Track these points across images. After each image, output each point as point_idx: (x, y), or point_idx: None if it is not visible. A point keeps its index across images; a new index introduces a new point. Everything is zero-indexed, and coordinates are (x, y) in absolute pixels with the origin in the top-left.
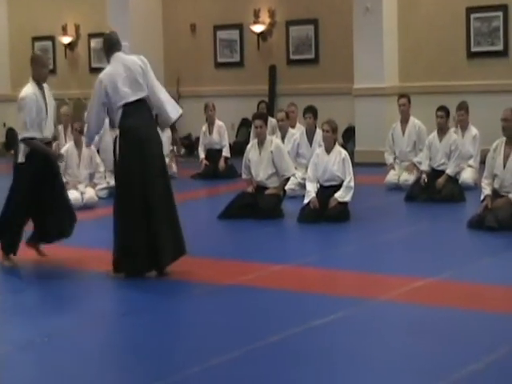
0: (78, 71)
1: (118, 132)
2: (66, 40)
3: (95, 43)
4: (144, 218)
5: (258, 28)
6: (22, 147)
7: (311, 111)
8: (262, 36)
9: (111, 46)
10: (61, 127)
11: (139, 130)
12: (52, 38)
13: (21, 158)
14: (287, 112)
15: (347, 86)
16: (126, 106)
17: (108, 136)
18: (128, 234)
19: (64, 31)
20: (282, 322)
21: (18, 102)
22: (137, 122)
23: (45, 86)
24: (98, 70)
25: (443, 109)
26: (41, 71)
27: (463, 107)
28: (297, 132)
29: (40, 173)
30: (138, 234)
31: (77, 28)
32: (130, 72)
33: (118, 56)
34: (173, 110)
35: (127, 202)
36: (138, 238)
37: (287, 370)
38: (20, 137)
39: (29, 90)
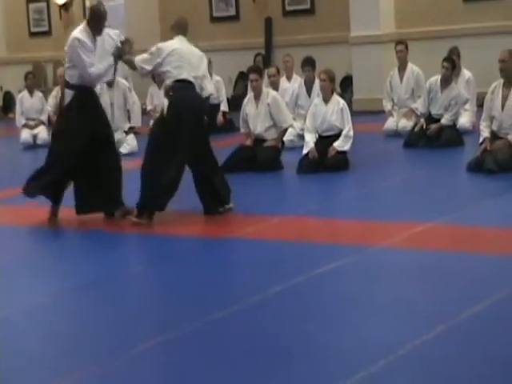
0: None
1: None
2: (61, 1)
3: (90, 3)
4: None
5: None
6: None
7: (309, 63)
8: None
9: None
10: (58, 89)
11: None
12: None
13: None
14: (277, 67)
15: (344, 35)
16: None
17: (105, 96)
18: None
19: None
20: (284, 272)
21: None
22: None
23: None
24: None
25: (449, 59)
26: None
27: (454, 52)
28: (290, 85)
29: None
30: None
31: None
32: None
33: None
34: None
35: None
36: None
37: (292, 321)
38: None
39: None
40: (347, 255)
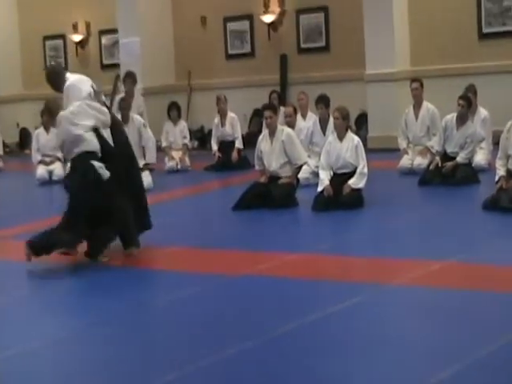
0: (90, 68)
1: None
2: (77, 38)
3: (106, 40)
4: None
5: (268, 18)
6: None
7: (323, 101)
8: (272, 26)
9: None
10: None
11: None
12: (63, 37)
13: None
14: (294, 107)
15: (359, 73)
16: None
17: (132, 128)
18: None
19: (75, 29)
20: (299, 310)
21: None
22: None
23: None
24: (110, 66)
25: (465, 97)
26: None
27: (471, 90)
28: (306, 124)
29: None
30: None
31: (87, 25)
32: (89, 81)
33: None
34: None
35: None
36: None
37: (305, 358)
38: None
39: None
40: (361, 293)
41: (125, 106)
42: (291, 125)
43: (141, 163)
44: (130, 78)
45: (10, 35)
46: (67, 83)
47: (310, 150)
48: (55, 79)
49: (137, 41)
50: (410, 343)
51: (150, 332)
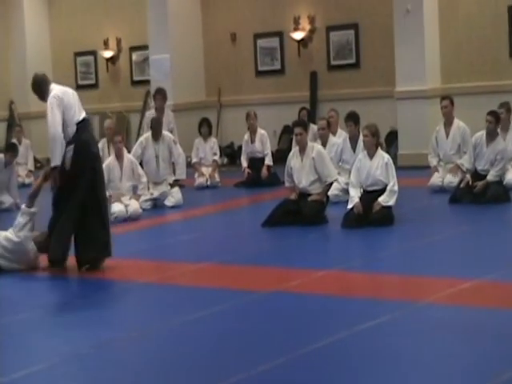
0: (120, 84)
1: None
2: (108, 54)
3: (137, 56)
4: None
5: (298, 35)
6: None
7: (352, 119)
8: (302, 43)
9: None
10: (104, 140)
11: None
12: (94, 53)
13: None
14: (328, 120)
15: (389, 90)
16: (79, 122)
17: (151, 149)
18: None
19: (105, 45)
20: (328, 327)
21: None
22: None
23: None
24: (140, 82)
25: (493, 113)
26: None
27: (504, 106)
28: (338, 140)
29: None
30: None
31: (118, 42)
32: (74, 95)
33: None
34: None
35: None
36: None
37: (334, 376)
38: None
39: None
40: (391, 311)
41: (156, 125)
42: (324, 138)
43: (171, 179)
44: (160, 94)
45: (41, 51)
46: (51, 94)
47: (339, 167)
48: (39, 88)
49: (167, 57)
50: (441, 362)
51: (181, 348)
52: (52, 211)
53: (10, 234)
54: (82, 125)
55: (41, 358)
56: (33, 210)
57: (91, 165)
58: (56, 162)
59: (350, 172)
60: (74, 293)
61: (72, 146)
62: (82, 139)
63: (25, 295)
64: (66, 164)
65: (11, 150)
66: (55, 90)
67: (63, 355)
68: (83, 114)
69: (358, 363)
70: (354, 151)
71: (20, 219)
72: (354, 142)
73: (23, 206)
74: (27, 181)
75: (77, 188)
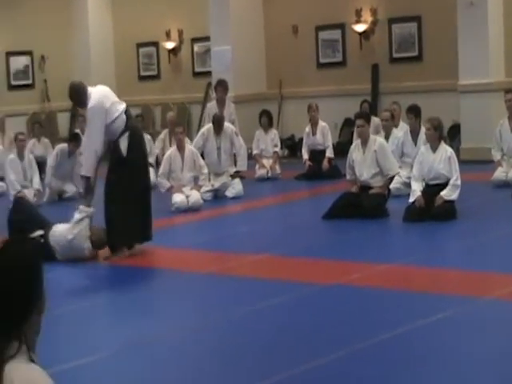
0: (182, 76)
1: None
2: (170, 45)
3: (198, 48)
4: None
5: (360, 27)
6: None
7: (413, 112)
8: (364, 35)
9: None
10: (166, 132)
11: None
12: (156, 44)
13: None
14: (392, 111)
15: (451, 83)
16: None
17: (212, 140)
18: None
19: (167, 36)
20: (389, 321)
21: None
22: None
23: None
24: (202, 74)
25: None
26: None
27: None
28: (399, 133)
29: None
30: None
31: (180, 33)
32: (110, 91)
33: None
34: None
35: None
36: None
37: (395, 370)
38: None
39: None
40: (454, 306)
41: (218, 121)
42: (388, 130)
43: (232, 170)
44: (222, 86)
45: (104, 42)
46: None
47: (400, 160)
48: (78, 96)
49: (228, 49)
50: (501, 358)
51: (240, 339)
52: (108, 204)
53: (66, 229)
54: (128, 113)
55: (106, 345)
56: (91, 209)
57: (144, 149)
58: (87, 172)
59: (411, 166)
60: (133, 282)
61: (127, 134)
62: (133, 125)
63: (82, 284)
64: (122, 152)
65: (74, 139)
66: (93, 94)
67: (126, 343)
68: (124, 104)
69: (418, 359)
70: (415, 144)
71: (77, 215)
72: (415, 135)
73: (81, 206)
74: None
75: (133, 173)
